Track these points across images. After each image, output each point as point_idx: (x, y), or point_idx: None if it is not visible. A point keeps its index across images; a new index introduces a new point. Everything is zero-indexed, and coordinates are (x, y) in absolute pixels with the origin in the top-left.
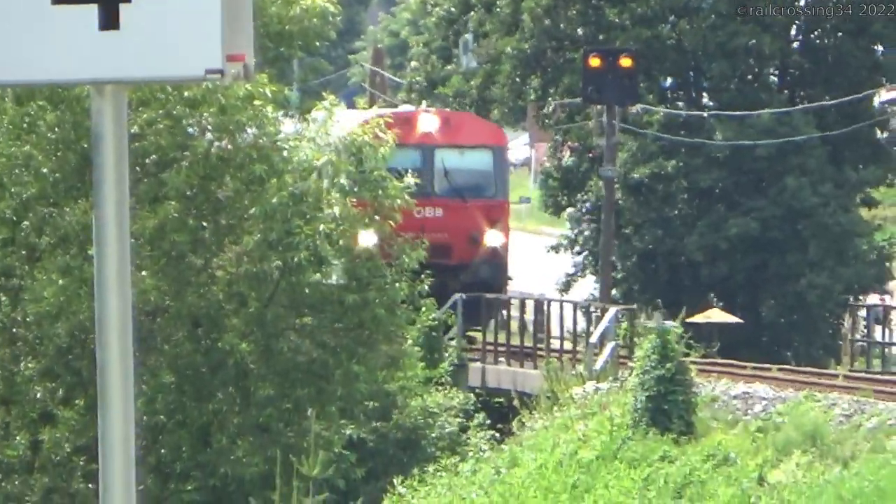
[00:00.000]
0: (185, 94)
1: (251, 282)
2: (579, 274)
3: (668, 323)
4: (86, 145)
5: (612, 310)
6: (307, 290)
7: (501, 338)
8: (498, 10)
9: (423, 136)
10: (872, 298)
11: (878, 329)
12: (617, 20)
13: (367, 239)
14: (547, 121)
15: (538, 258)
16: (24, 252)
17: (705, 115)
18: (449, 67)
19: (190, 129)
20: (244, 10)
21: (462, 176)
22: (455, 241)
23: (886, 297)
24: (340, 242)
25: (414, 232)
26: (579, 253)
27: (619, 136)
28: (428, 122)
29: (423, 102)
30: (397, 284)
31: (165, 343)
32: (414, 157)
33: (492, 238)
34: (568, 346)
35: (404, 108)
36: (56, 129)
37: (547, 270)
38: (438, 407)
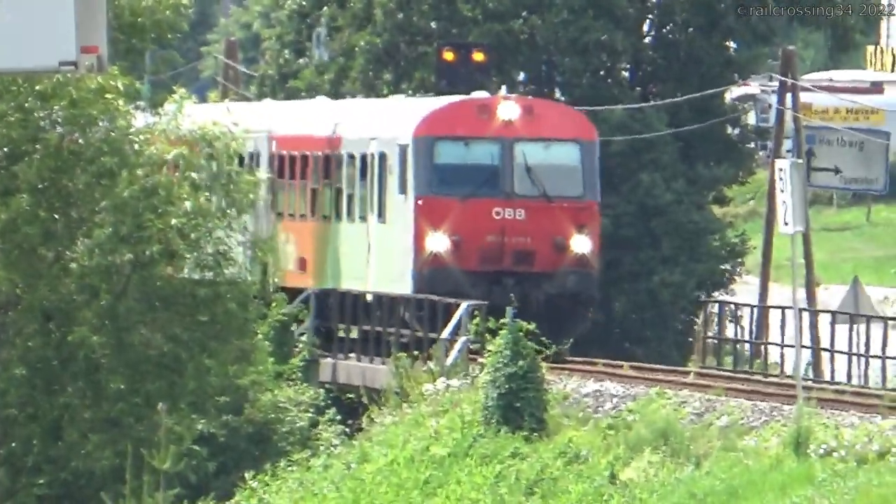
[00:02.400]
0: (37, 87)
1: (103, 275)
2: None
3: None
4: None
5: (464, 305)
6: (159, 284)
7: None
8: (351, 4)
9: (502, 126)
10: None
11: (729, 326)
12: (470, 15)
13: (436, 243)
14: None
15: None
16: None
17: None
18: (302, 61)
19: (41, 122)
20: (98, 2)
21: (546, 173)
22: (538, 247)
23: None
24: (192, 236)
25: (492, 235)
26: None
27: None
28: (508, 110)
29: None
30: (249, 278)
31: (17, 336)
32: (491, 151)
33: (580, 244)
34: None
35: (479, 94)
36: None
37: None
38: (289, 402)
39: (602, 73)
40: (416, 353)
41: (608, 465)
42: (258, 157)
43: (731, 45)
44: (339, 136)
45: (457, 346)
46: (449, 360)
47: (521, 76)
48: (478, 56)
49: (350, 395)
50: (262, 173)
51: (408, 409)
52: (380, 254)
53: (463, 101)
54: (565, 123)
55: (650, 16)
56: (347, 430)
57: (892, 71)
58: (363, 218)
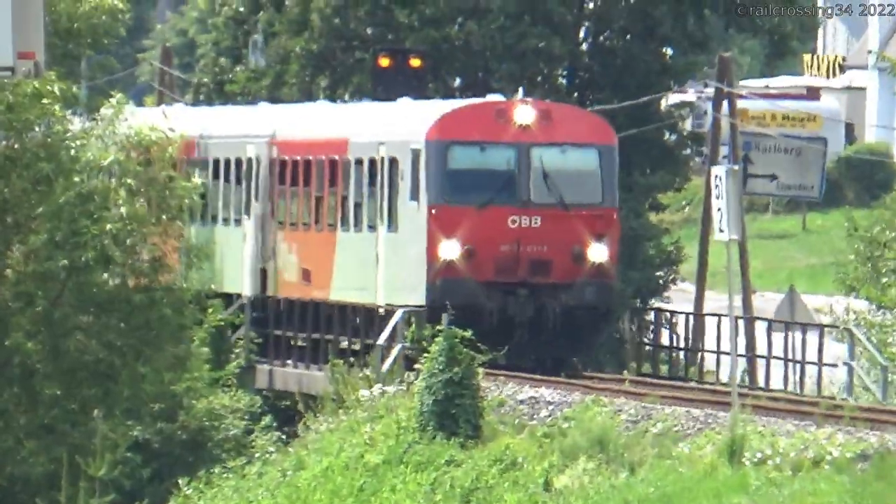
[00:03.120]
0: None
1: (38, 281)
2: None
3: None
4: None
5: (400, 311)
6: (94, 290)
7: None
8: (287, 10)
9: (518, 131)
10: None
11: (665, 333)
12: (406, 21)
13: (450, 252)
14: None
15: None
16: None
17: None
18: (238, 67)
19: None
20: (35, 7)
21: (564, 179)
22: (555, 257)
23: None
24: (128, 242)
25: (508, 244)
26: None
27: None
28: (524, 114)
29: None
30: (185, 284)
31: None
32: (507, 156)
33: (598, 253)
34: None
35: (493, 97)
36: None
37: None
38: (225, 409)
39: (539, 79)
40: (352, 359)
41: (543, 473)
42: (258, 163)
43: (668, 51)
44: (345, 140)
45: (393, 352)
46: (385, 367)
47: (458, 82)
48: (414, 62)
49: (286, 402)
50: (262, 179)
51: (343, 415)
52: (390, 264)
53: (478, 104)
54: (583, 127)
55: (587, 22)
56: (283, 437)
57: (829, 77)
58: (372, 227)
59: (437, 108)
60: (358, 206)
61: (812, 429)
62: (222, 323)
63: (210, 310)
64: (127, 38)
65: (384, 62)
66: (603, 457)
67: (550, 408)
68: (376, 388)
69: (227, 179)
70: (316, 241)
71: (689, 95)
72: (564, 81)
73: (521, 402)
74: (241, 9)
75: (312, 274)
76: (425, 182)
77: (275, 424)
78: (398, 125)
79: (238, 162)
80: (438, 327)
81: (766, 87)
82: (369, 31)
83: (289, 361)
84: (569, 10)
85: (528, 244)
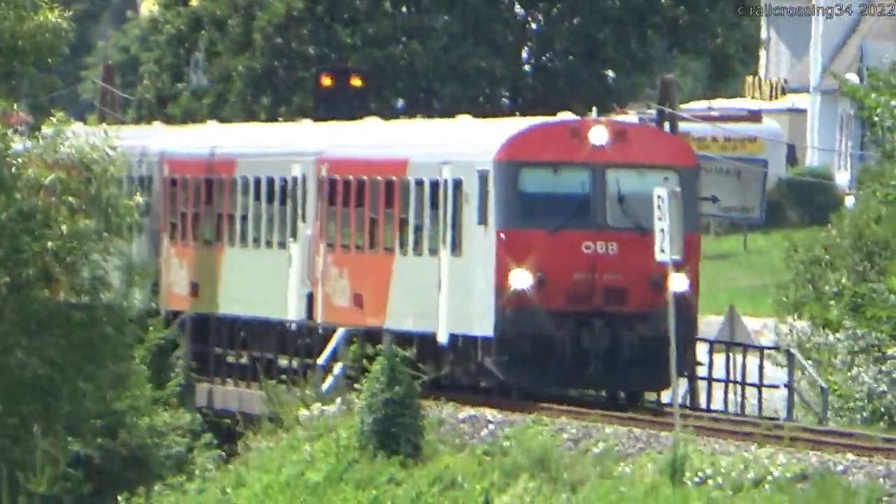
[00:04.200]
0: None
1: None
2: None
3: None
4: None
5: (341, 331)
6: (35, 307)
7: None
8: (229, 29)
9: (592, 152)
10: None
11: None
12: (349, 41)
13: (520, 280)
14: None
15: None
16: None
17: None
18: (180, 85)
19: None
20: None
21: (641, 203)
22: (631, 285)
23: None
24: (68, 260)
25: (582, 271)
26: None
27: None
28: (600, 134)
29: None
30: (125, 304)
31: None
32: (581, 179)
33: (678, 282)
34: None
35: (565, 115)
36: None
37: None
38: (166, 426)
39: (481, 99)
40: (291, 378)
41: (483, 492)
42: (304, 183)
43: (610, 73)
44: (404, 160)
45: (334, 372)
46: (325, 387)
47: (400, 103)
48: (356, 81)
49: (226, 421)
50: (310, 199)
51: (283, 434)
52: (454, 291)
53: (549, 123)
54: (662, 148)
55: (529, 43)
56: (223, 455)
57: (771, 100)
58: (433, 251)
59: (506, 127)
60: (418, 228)
61: (753, 449)
62: (163, 341)
63: (151, 328)
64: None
65: (326, 81)
66: (544, 476)
67: (491, 427)
68: (316, 408)
69: (269, 200)
70: (370, 264)
71: (632, 117)
72: (507, 102)
73: (462, 421)
74: (183, 27)
75: (365, 299)
76: (494, 205)
77: (215, 442)
78: (463, 145)
79: (283, 181)
80: (379, 346)
81: (709, 109)
82: (311, 50)
83: (228, 380)
84: (511, 32)
85: (604, 272)
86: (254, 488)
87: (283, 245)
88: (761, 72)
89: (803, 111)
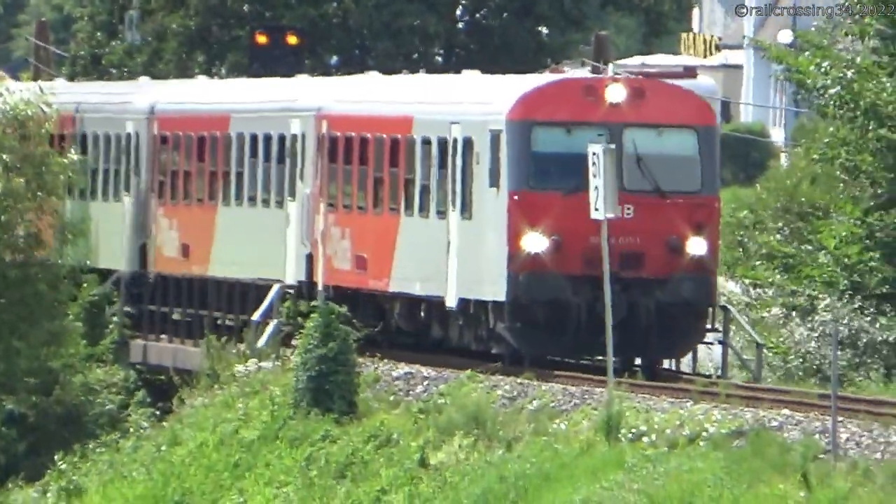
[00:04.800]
0: None
1: None
2: None
3: None
4: None
5: (276, 287)
6: None
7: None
8: None
9: (608, 110)
10: None
11: None
12: None
13: (534, 244)
14: None
15: None
16: None
17: None
18: (114, 43)
19: None
20: None
21: (659, 164)
22: (649, 250)
23: None
24: (2, 218)
25: (598, 236)
26: None
27: None
28: (616, 92)
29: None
30: (60, 260)
31: None
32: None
33: (696, 246)
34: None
35: (579, 72)
36: None
37: None
38: (100, 384)
39: (415, 56)
40: (227, 335)
41: (419, 449)
42: (303, 140)
43: (545, 30)
44: (410, 116)
45: (268, 328)
46: (260, 343)
47: (334, 60)
48: (291, 39)
49: (161, 377)
50: (309, 157)
51: (218, 390)
52: (463, 255)
53: (564, 80)
54: (681, 107)
55: (464, 1)
56: (158, 412)
57: (706, 57)
58: (441, 213)
59: (518, 84)
60: (424, 189)
61: (688, 406)
62: (97, 298)
63: (85, 285)
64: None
65: (261, 39)
66: (479, 433)
67: (426, 383)
68: (251, 364)
69: (266, 158)
70: (374, 225)
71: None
72: (441, 59)
73: (397, 378)
74: None
75: (369, 262)
76: (506, 166)
77: (149, 399)
78: (473, 103)
79: (281, 138)
80: (314, 303)
81: (643, 65)
82: (246, 8)
83: (163, 336)
84: None
85: (620, 235)
86: (188, 446)
87: (280, 204)
88: (695, 28)
89: (738, 67)
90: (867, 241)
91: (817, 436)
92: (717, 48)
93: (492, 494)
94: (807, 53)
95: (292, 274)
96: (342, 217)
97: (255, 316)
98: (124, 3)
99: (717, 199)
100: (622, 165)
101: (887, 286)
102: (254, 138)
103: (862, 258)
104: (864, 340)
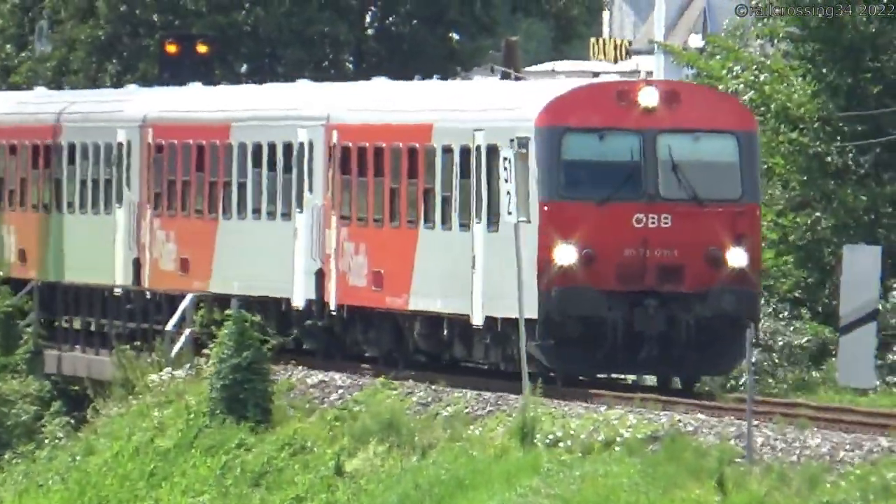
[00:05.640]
0: None
1: None
2: None
3: None
4: None
5: (189, 296)
6: None
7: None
8: None
9: (642, 116)
10: None
11: None
12: (193, 7)
13: (566, 257)
14: None
15: None
16: None
17: None
18: (24, 54)
19: None
20: None
21: (697, 171)
22: (688, 261)
23: None
24: None
25: (632, 247)
26: None
27: None
28: (650, 96)
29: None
30: None
31: None
32: (630, 146)
33: (738, 257)
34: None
35: (610, 77)
36: None
37: None
38: (14, 394)
39: (325, 64)
40: (139, 344)
41: (334, 456)
42: (311, 150)
43: (455, 36)
44: (428, 125)
45: (182, 337)
46: (174, 352)
47: (244, 68)
48: (201, 48)
49: (75, 387)
50: (318, 168)
51: (133, 400)
52: (490, 269)
53: (595, 84)
54: (718, 111)
55: (373, 7)
56: (73, 422)
57: (616, 62)
58: (465, 225)
59: (548, 89)
60: (446, 200)
61: (603, 410)
62: (10, 308)
63: None
64: None
65: (171, 48)
66: (394, 440)
67: (341, 391)
68: (165, 373)
69: (271, 168)
70: (391, 239)
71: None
72: (351, 66)
73: (312, 386)
74: None
75: (386, 278)
76: (536, 175)
77: (64, 409)
78: (498, 109)
79: (287, 148)
80: (227, 312)
81: (552, 70)
82: (156, 17)
83: (77, 346)
84: None
85: (656, 247)
86: (104, 455)
87: (287, 216)
88: (605, 33)
89: (648, 73)
90: (780, 245)
91: (733, 440)
92: (628, 53)
93: (407, 501)
94: (717, 56)
95: (301, 292)
96: (356, 231)
97: (169, 325)
98: (34, 14)
99: (758, 206)
100: (657, 173)
101: (800, 290)
102: (257, 147)
103: (776, 262)
104: (780, 343)
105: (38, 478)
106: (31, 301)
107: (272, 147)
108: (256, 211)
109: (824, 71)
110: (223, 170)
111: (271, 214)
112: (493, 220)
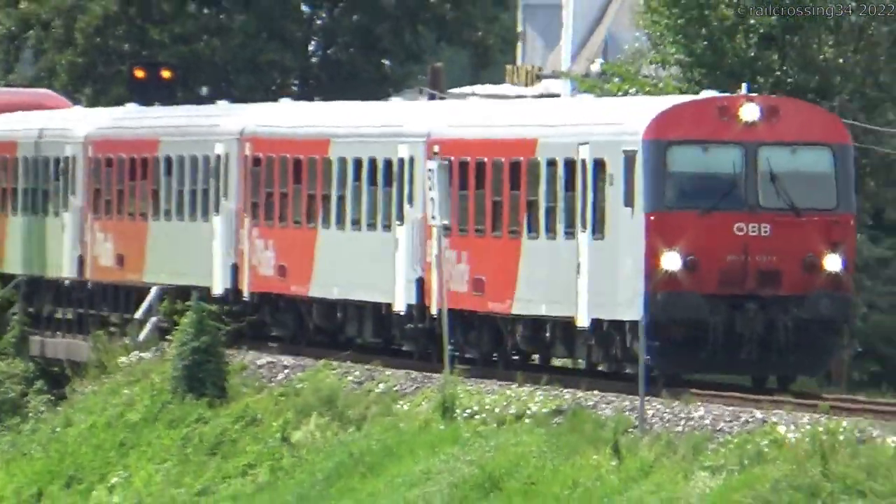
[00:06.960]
0: None
1: None
2: None
3: None
4: None
5: (155, 289)
6: None
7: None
8: (54, 28)
9: (743, 129)
10: None
11: None
12: (159, 38)
13: (672, 263)
14: None
15: None
16: None
17: None
18: (12, 77)
19: None
20: None
21: (795, 182)
22: (786, 267)
23: None
24: None
25: (734, 254)
26: None
27: None
28: (751, 111)
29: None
30: None
31: None
32: (732, 158)
33: (833, 263)
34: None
35: (711, 92)
36: None
37: None
38: (2, 374)
39: (274, 88)
40: (112, 330)
41: (280, 428)
42: (411, 164)
43: (387, 63)
44: (532, 140)
45: (149, 324)
46: (141, 337)
47: (204, 91)
48: (165, 73)
49: (55, 369)
50: (418, 181)
51: (105, 379)
52: (596, 275)
53: (698, 100)
54: (814, 125)
55: (316, 38)
56: (53, 398)
57: (527, 86)
58: (570, 234)
59: (652, 105)
60: (550, 211)
61: (514, 387)
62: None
63: None
64: None
65: (139, 74)
66: (332, 414)
67: (286, 371)
68: (133, 355)
69: (372, 182)
70: (494, 248)
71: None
72: (297, 90)
73: (261, 366)
74: (13, 27)
75: (488, 284)
76: (642, 186)
77: (46, 388)
78: (604, 124)
79: (387, 163)
80: (188, 302)
81: (472, 93)
82: (126, 46)
83: (58, 332)
84: (300, 28)
85: (757, 253)
86: (80, 427)
87: (387, 228)
88: (519, 60)
89: (556, 95)
90: None
91: (627, 413)
92: (539, 78)
93: (343, 468)
94: (616, 79)
95: (402, 298)
96: (458, 241)
97: (137, 314)
98: (19, 43)
99: (852, 216)
100: (758, 184)
101: None
102: (357, 162)
103: None
104: None
105: (23, 447)
106: (17, 293)
107: (373, 162)
108: (356, 222)
109: None
110: (322, 182)
111: (372, 226)
112: (599, 229)
